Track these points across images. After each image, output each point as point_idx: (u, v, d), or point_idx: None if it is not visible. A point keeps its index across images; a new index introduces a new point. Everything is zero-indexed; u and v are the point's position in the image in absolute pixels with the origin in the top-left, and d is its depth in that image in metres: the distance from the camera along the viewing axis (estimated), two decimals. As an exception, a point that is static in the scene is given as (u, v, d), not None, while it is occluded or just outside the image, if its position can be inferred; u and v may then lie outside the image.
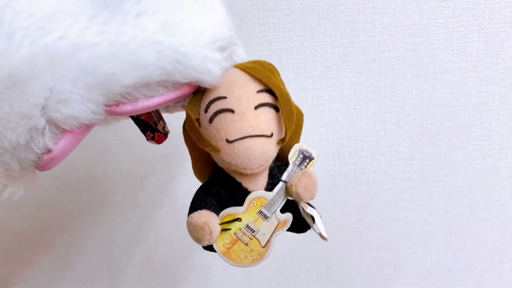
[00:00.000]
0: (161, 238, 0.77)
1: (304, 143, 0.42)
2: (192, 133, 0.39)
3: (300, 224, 0.43)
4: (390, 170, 0.73)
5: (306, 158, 0.42)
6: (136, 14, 0.34)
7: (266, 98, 0.39)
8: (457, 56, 0.68)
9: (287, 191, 0.41)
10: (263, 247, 0.41)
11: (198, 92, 0.40)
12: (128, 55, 0.33)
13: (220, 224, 0.40)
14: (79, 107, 0.33)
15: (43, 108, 0.33)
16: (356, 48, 0.67)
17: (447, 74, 0.68)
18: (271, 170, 0.41)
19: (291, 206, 0.42)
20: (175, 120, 0.49)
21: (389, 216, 0.76)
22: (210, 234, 0.38)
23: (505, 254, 0.77)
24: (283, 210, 0.41)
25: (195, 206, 0.40)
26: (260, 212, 0.40)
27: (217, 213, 0.40)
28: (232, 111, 0.38)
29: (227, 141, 0.38)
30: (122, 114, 0.36)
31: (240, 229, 0.40)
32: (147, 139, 0.46)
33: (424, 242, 0.77)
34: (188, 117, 0.40)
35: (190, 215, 0.40)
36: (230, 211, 0.40)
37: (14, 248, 0.78)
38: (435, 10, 0.65)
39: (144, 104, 0.36)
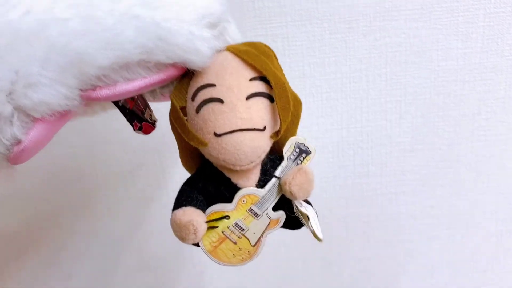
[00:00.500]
0: (152, 233, 0.76)
1: (301, 136, 0.38)
2: (177, 124, 0.36)
3: (295, 221, 0.40)
4: (390, 161, 0.72)
5: (302, 152, 0.38)
6: None
7: (259, 86, 0.36)
8: (461, 42, 0.66)
9: (280, 187, 0.38)
10: (253, 246, 0.39)
11: (185, 77, 0.37)
12: (103, 31, 0.30)
13: (206, 222, 0.37)
14: (49, 91, 0.30)
15: (9, 94, 0.29)
16: (355, 34, 0.66)
17: (450, 61, 0.67)
18: (263, 165, 0.38)
19: (284, 202, 0.39)
20: (164, 107, 0.47)
21: (390, 210, 0.74)
22: (195, 233, 0.36)
23: (510, 248, 0.76)
24: (275, 208, 0.38)
25: (179, 201, 0.38)
26: (251, 210, 0.38)
27: (204, 210, 0.37)
28: (221, 101, 0.35)
29: (215, 134, 0.35)
30: (99, 99, 0.33)
31: (228, 227, 0.38)
32: (134, 129, 0.43)
33: (426, 236, 0.76)
34: (172, 105, 0.37)
35: (174, 212, 0.37)
36: (217, 208, 0.38)
37: (-1, 244, 0.76)
38: (439, -7, 0.64)
39: (124, 88, 0.33)
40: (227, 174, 0.37)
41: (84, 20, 0.29)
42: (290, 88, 0.38)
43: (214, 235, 0.38)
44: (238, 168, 0.36)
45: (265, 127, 0.36)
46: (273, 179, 0.38)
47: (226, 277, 0.78)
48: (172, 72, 0.35)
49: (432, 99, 0.68)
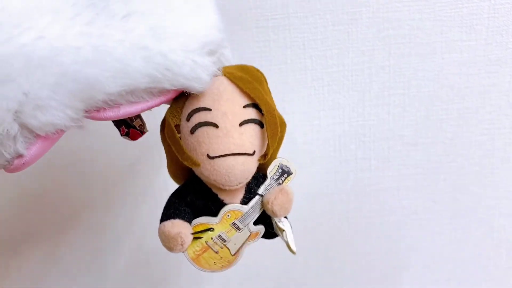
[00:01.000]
0: (152, 228, 0.74)
1: (284, 158, 0.42)
2: (172, 143, 0.39)
3: (271, 233, 0.44)
4: (393, 156, 0.71)
5: (284, 172, 0.42)
6: (123, 16, 0.32)
7: (252, 114, 0.39)
8: (465, 34, 0.65)
9: (262, 204, 0.41)
10: (233, 255, 0.42)
11: (180, 98, 0.39)
12: (113, 61, 0.31)
13: (192, 233, 0.40)
14: (57, 113, 0.31)
15: (15, 113, 0.30)
16: (358, 26, 0.65)
17: (455, 54, 0.66)
18: (248, 184, 0.41)
19: (263, 217, 0.42)
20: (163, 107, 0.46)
21: (392, 204, 0.74)
22: (182, 245, 0.39)
23: (513, 243, 0.76)
24: (256, 222, 0.42)
25: (168, 213, 0.41)
26: (234, 224, 0.41)
27: (190, 222, 0.41)
28: (216, 125, 0.37)
29: (208, 156, 0.37)
30: (103, 119, 0.34)
31: (211, 238, 0.41)
32: (121, 134, 0.44)
33: (428, 231, 0.75)
34: (168, 125, 0.39)
35: (162, 223, 0.40)
36: (203, 221, 0.41)
37: (-4, 239, 0.76)
38: (443, -16, 0.63)
39: (127, 110, 0.35)
40: (215, 191, 0.40)
41: (95, 49, 0.31)
42: (277, 111, 0.41)
43: (198, 244, 0.41)
44: (227, 188, 0.39)
45: (254, 152, 0.39)
46: (256, 197, 0.41)
47: (226, 273, 0.77)
48: (171, 95, 0.37)
49: (436, 92, 0.67)
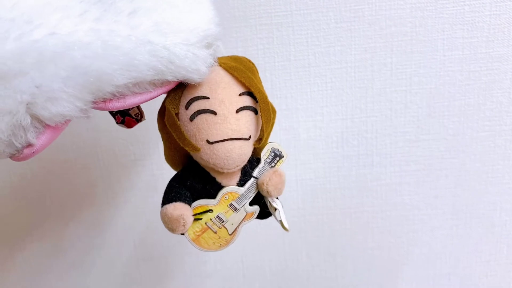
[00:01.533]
0: (155, 222, 0.74)
1: (275, 142, 0.44)
2: (173, 130, 0.41)
3: (265, 214, 0.46)
4: (395, 152, 0.71)
5: (276, 156, 0.44)
6: (129, 12, 0.34)
7: (247, 101, 0.41)
8: (467, 32, 0.65)
9: (257, 186, 0.44)
10: (230, 234, 0.44)
11: (178, 88, 0.41)
12: (121, 55, 0.33)
13: (192, 215, 0.42)
14: (67, 105, 0.33)
15: (27, 104, 0.32)
16: (361, 23, 0.65)
17: (456, 51, 0.66)
18: (244, 167, 0.44)
19: (258, 198, 0.45)
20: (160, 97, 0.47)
21: (393, 200, 0.74)
22: (184, 226, 0.41)
23: (513, 239, 0.76)
24: (251, 203, 0.44)
25: (169, 197, 0.43)
26: (231, 205, 0.43)
27: (190, 204, 0.43)
28: (214, 113, 0.39)
29: (208, 142, 0.40)
30: (109, 110, 0.36)
31: (210, 219, 0.43)
32: (117, 123, 0.45)
33: (430, 227, 0.75)
34: (168, 112, 0.41)
35: (165, 206, 0.42)
36: (202, 203, 0.43)
37: (1, 234, 0.76)
38: (446, -18, 0.63)
39: (132, 101, 0.37)
40: (213, 174, 0.43)
41: (104, 44, 0.33)
42: (269, 101, 0.43)
43: (198, 225, 0.43)
44: (225, 171, 0.41)
45: (250, 137, 0.41)
46: (252, 179, 0.44)
47: (229, 267, 0.78)
48: (171, 86, 0.39)
49: (438, 89, 0.68)
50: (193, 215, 0.42)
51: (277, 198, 0.45)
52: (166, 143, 0.45)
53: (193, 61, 0.37)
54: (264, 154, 0.44)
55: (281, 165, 0.45)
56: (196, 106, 0.40)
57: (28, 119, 0.33)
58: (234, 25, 0.65)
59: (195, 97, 0.40)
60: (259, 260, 0.78)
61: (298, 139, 0.70)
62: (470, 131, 0.70)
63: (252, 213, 0.44)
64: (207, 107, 0.39)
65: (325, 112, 0.69)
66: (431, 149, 0.71)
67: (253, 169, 0.44)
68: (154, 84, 0.37)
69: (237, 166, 0.42)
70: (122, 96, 0.36)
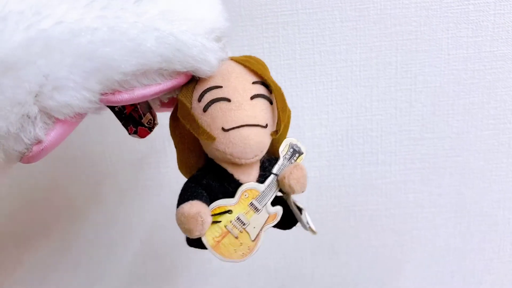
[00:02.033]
0: (161, 221, 0.76)
1: (293, 138, 0.42)
2: (187, 121, 0.39)
3: (287, 219, 0.43)
4: (400, 150, 0.72)
5: (296, 152, 0.42)
6: (135, 1, 0.34)
7: (261, 90, 0.39)
8: (472, 31, 0.66)
9: (277, 184, 0.41)
10: (253, 240, 0.41)
11: (190, 82, 0.39)
12: (127, 41, 0.33)
13: (211, 215, 0.39)
14: (74, 94, 0.32)
15: (36, 96, 0.32)
16: (366, 22, 0.65)
17: (461, 50, 0.67)
18: (262, 163, 0.41)
19: (279, 202, 0.42)
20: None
21: (398, 198, 0.74)
22: (202, 225, 0.37)
23: (517, 237, 0.76)
24: (273, 204, 0.41)
25: (185, 197, 0.39)
26: (251, 204, 0.40)
27: (208, 205, 0.39)
28: (228, 100, 0.38)
29: (223, 129, 0.38)
30: (118, 103, 0.35)
31: (230, 222, 0.40)
32: (129, 133, 0.44)
33: (433, 225, 0.76)
34: (182, 105, 0.39)
35: (180, 206, 0.38)
36: (221, 203, 0.40)
37: (9, 232, 0.76)
38: (451, -19, 0.63)
39: (141, 92, 0.36)
40: (230, 170, 0.40)
41: (111, 30, 0.32)
42: (282, 90, 0.41)
43: (217, 230, 0.40)
44: (243, 161, 0.39)
45: (267, 125, 0.39)
46: (271, 176, 0.41)
47: (234, 265, 0.78)
48: (181, 79, 0.38)
49: (442, 88, 0.68)
50: (212, 216, 0.39)
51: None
52: (179, 145, 0.42)
53: (201, 51, 0.36)
54: (283, 150, 0.42)
55: (301, 162, 0.43)
56: (209, 96, 0.38)
57: (36, 110, 0.32)
58: (240, 24, 0.65)
59: (207, 88, 0.38)
60: (263, 258, 0.78)
61: (303, 137, 0.71)
62: (474, 130, 0.70)
63: (275, 215, 0.41)
64: (220, 95, 0.38)
65: (330, 110, 0.69)
66: (436, 147, 0.71)
67: (272, 166, 0.41)
68: (163, 75, 0.36)
69: (256, 156, 0.39)
70: (130, 88, 0.35)
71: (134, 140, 0.69)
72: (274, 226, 0.42)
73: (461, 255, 0.77)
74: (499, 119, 0.69)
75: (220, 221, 0.40)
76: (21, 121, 0.32)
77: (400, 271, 0.79)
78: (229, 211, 0.40)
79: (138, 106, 0.43)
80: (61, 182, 0.73)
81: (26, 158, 0.35)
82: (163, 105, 0.47)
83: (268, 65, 0.66)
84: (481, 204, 0.74)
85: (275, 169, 0.41)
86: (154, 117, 0.45)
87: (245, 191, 0.40)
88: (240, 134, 0.38)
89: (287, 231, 0.44)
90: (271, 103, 0.40)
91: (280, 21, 0.65)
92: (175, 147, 0.43)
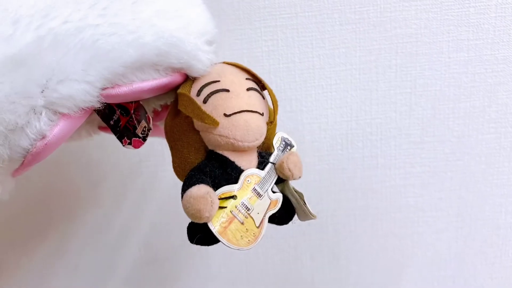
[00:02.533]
0: (159, 224, 0.76)
1: (284, 132, 0.45)
2: (190, 110, 0.40)
3: (285, 211, 0.45)
4: (400, 154, 0.71)
5: (287, 145, 0.45)
6: (133, 2, 0.37)
7: (254, 85, 0.42)
8: (472, 33, 0.65)
9: (275, 172, 0.44)
10: (258, 227, 0.43)
11: (186, 82, 0.42)
12: (127, 34, 0.35)
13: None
14: (76, 86, 0.34)
15: (42, 91, 0.34)
16: (366, 25, 0.65)
17: (461, 53, 0.66)
18: (259, 152, 0.44)
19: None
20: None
21: (398, 202, 0.74)
22: (212, 205, 0.38)
23: (519, 241, 0.76)
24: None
25: (190, 183, 0.40)
26: (254, 189, 0.42)
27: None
28: (227, 90, 0.40)
29: (225, 115, 0.40)
30: (118, 96, 0.37)
31: (236, 207, 0.41)
32: (123, 145, 0.46)
33: (434, 229, 0.75)
34: (182, 96, 0.41)
35: (188, 190, 0.39)
36: (225, 189, 0.41)
37: (6, 235, 0.76)
38: (451, -16, 0.63)
39: (139, 86, 0.38)
40: (232, 158, 0.42)
41: (111, 25, 0.35)
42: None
43: (224, 215, 0.41)
44: (246, 144, 0.41)
45: (263, 113, 0.42)
46: (270, 164, 0.44)
47: (233, 269, 0.78)
48: (177, 78, 0.41)
49: (442, 91, 0.68)
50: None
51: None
52: (177, 143, 0.43)
53: (194, 49, 0.39)
54: (276, 142, 0.45)
55: None
56: (208, 89, 0.41)
57: (42, 103, 0.34)
58: (239, 27, 0.65)
59: (205, 84, 0.41)
60: (263, 263, 0.77)
61: (303, 141, 0.70)
62: (475, 133, 0.70)
63: (276, 201, 0.44)
64: (219, 88, 0.41)
65: (329, 114, 0.69)
66: (436, 151, 0.71)
67: (268, 156, 0.44)
68: (158, 70, 0.39)
69: (256, 140, 0.41)
70: (129, 82, 0.37)
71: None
72: (272, 221, 0.44)
73: (462, 260, 0.77)
74: (501, 123, 0.69)
75: (225, 207, 0.41)
76: (28, 115, 0.34)
77: (401, 276, 0.78)
78: (233, 197, 0.41)
79: (134, 115, 0.45)
80: (59, 186, 0.73)
81: (30, 156, 0.36)
82: (156, 114, 0.50)
83: (267, 69, 0.67)
84: (482, 208, 0.74)
85: (271, 159, 0.44)
86: (148, 122, 0.46)
87: (248, 176, 0.42)
88: (241, 118, 0.40)
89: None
90: (263, 98, 0.43)
91: (279, 24, 0.65)
92: (171, 148, 0.44)
